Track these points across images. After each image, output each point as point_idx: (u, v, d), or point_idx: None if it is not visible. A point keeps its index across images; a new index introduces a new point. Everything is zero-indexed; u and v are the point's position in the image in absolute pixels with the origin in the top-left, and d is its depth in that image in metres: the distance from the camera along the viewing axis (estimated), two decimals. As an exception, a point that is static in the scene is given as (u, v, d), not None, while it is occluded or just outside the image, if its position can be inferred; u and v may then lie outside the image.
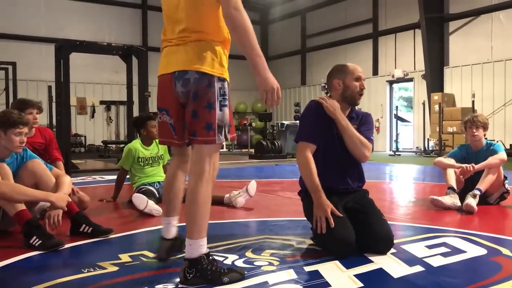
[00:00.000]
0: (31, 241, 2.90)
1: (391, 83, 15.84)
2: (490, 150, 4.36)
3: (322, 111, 2.91)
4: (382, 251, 2.68)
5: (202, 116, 2.19)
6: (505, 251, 2.79)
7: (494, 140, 4.70)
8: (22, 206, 3.02)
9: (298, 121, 14.16)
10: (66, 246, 2.97)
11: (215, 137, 2.20)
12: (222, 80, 2.23)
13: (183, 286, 2.19)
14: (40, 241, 2.89)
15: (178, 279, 2.24)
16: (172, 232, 2.50)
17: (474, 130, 4.36)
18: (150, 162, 4.80)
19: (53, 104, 10.11)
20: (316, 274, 2.36)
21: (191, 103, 2.21)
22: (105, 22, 17.06)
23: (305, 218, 3.06)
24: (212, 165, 2.24)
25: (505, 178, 4.39)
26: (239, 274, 2.28)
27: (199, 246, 2.19)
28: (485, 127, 4.38)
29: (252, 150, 12.68)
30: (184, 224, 2.25)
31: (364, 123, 3.02)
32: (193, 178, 2.22)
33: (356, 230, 2.68)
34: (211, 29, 2.22)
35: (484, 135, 4.44)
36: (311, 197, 2.80)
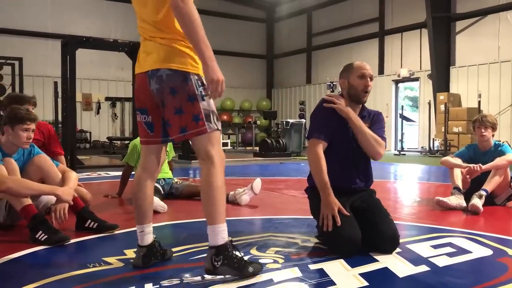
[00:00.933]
0: (37, 236, 2.91)
1: (396, 82, 15.79)
2: (498, 151, 4.33)
3: (333, 109, 2.90)
4: (388, 251, 2.68)
5: (187, 110, 2.21)
6: (511, 252, 2.77)
7: (500, 141, 4.67)
8: (28, 201, 3.03)
9: (303, 120, 14.15)
10: (72, 241, 2.98)
11: (205, 126, 2.22)
12: (197, 74, 2.24)
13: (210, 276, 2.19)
14: (46, 236, 2.90)
15: (187, 274, 2.25)
16: (147, 240, 2.45)
17: (483, 130, 4.33)
18: (156, 158, 4.80)
19: (59, 100, 10.13)
20: (321, 273, 2.36)
21: (171, 100, 2.22)
22: (111, 19, 17.09)
23: (310, 216, 3.06)
24: (217, 151, 2.25)
25: (512, 179, 4.37)
26: (259, 265, 2.30)
27: (221, 231, 2.19)
28: (493, 127, 4.35)
29: (257, 148, 12.66)
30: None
31: (376, 121, 3.02)
32: (204, 168, 2.24)
33: (363, 229, 2.68)
34: (178, 29, 2.23)
35: (493, 135, 4.41)
36: (318, 195, 2.80)
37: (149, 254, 2.45)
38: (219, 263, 2.17)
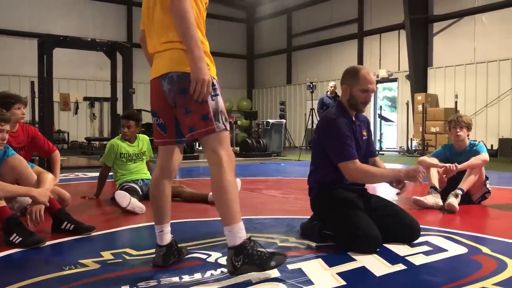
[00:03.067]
0: (11, 238, 2.85)
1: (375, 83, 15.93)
2: (473, 150, 4.41)
3: (347, 127, 2.98)
4: (412, 239, 2.94)
5: (195, 109, 2.21)
6: (485, 249, 2.83)
7: (476, 141, 4.75)
8: (2, 203, 2.97)
9: (283, 120, 14.18)
10: (47, 243, 2.93)
11: (213, 125, 2.22)
12: None
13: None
14: (21, 238, 2.85)
15: (165, 275, 2.23)
16: (166, 239, 2.46)
17: (458, 130, 4.40)
18: (134, 158, 4.77)
19: (35, 100, 9.96)
20: (299, 272, 2.37)
21: (181, 100, 2.23)
22: (89, 18, 16.88)
23: (290, 216, 3.09)
24: (226, 151, 2.24)
25: (487, 178, 4.45)
26: (283, 257, 2.30)
27: (238, 231, 2.19)
28: (469, 127, 4.43)
29: (237, 148, 12.65)
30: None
31: (370, 133, 3.23)
32: (213, 169, 2.23)
33: (385, 223, 2.88)
34: None
35: (468, 135, 4.49)
36: (327, 193, 2.98)
37: (169, 253, 2.46)
38: (239, 263, 2.17)
